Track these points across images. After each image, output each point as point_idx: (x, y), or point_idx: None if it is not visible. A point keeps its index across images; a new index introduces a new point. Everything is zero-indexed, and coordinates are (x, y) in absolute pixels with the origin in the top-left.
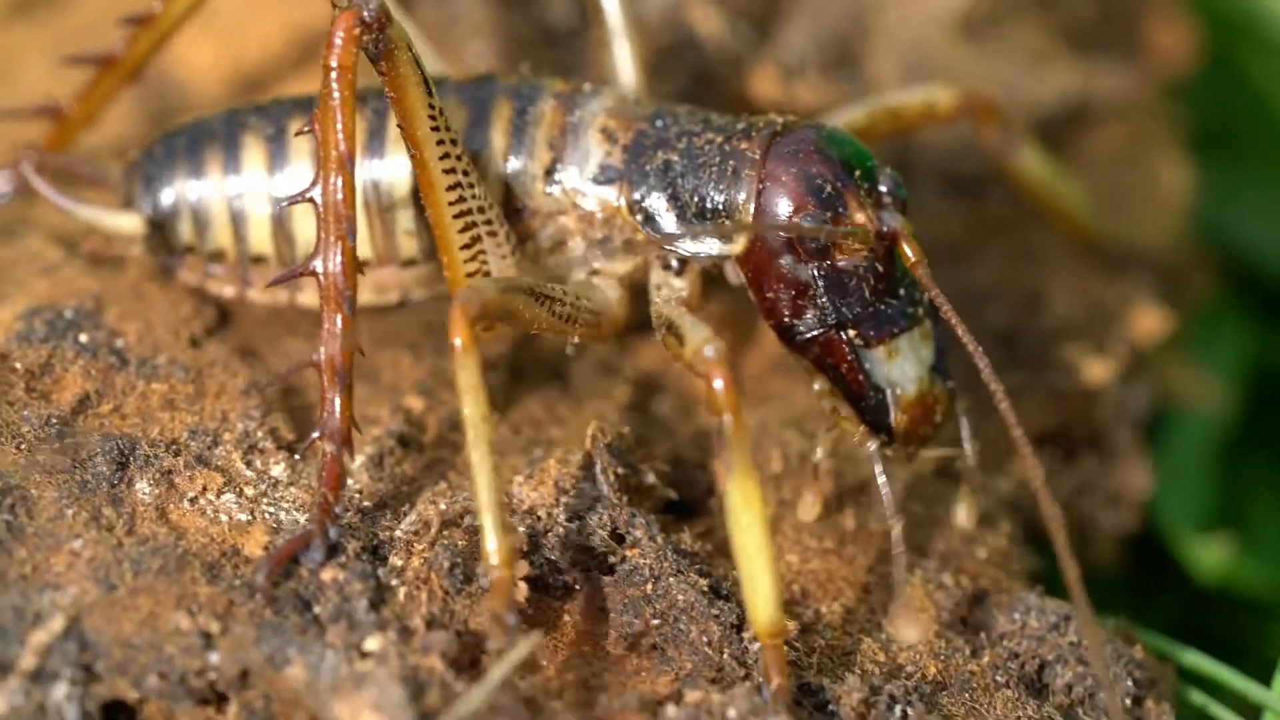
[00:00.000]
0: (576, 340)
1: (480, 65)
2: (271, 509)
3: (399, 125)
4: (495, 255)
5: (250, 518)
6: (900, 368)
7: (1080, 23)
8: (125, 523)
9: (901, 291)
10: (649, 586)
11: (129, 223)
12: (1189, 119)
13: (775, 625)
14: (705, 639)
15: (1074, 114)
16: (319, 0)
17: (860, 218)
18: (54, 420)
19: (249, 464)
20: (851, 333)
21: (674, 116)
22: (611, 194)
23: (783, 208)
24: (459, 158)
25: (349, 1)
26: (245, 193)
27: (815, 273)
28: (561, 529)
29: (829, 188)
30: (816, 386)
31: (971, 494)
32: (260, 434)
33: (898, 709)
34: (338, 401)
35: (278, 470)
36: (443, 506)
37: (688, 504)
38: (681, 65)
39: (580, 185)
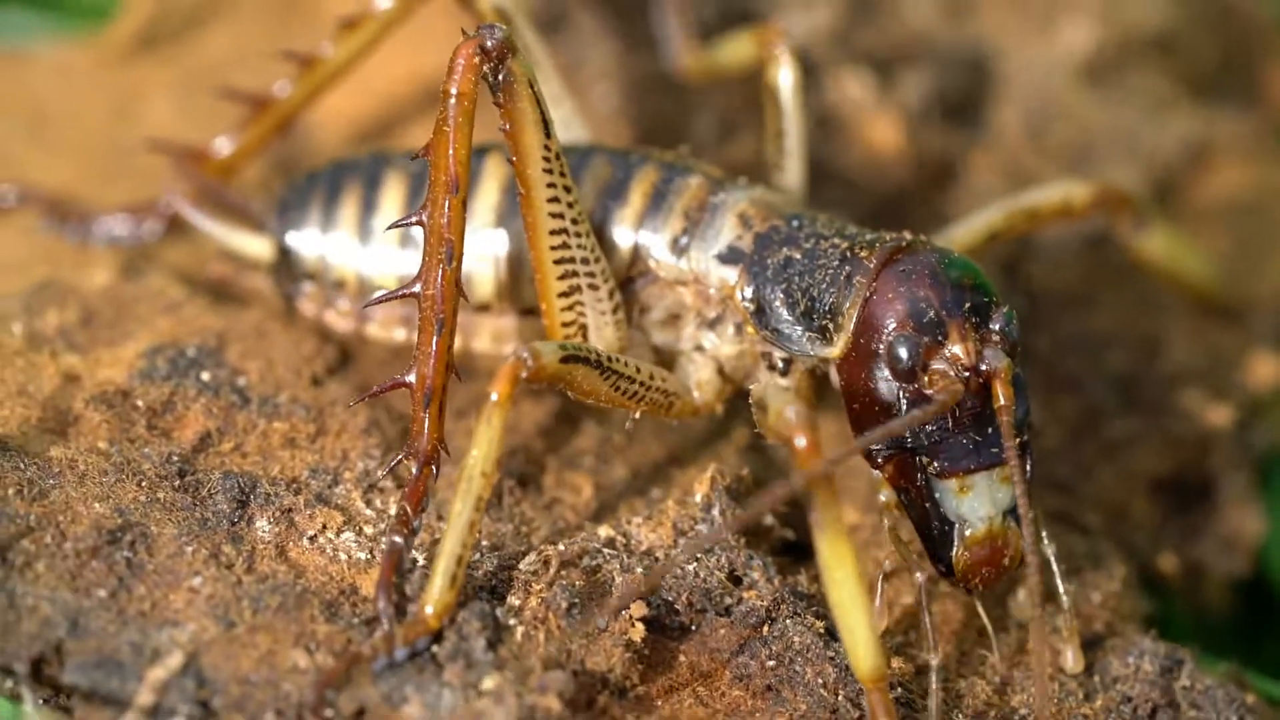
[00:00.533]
0: (637, 416)
1: (605, 107)
2: None
3: (510, 160)
4: (594, 309)
5: (369, 556)
6: (971, 504)
7: (1201, 69)
8: (245, 560)
9: (990, 430)
10: (765, 628)
11: (259, 246)
12: None
13: (877, 671)
14: (820, 680)
15: (1194, 160)
16: (445, 47)
17: (958, 350)
18: (175, 458)
19: (369, 503)
20: (926, 459)
21: (811, 220)
22: (731, 275)
23: (882, 322)
24: (570, 205)
25: (476, 29)
26: (375, 224)
27: (901, 392)
28: (679, 570)
29: (932, 313)
30: (882, 498)
31: (1075, 636)
32: (380, 473)
33: None
34: (426, 421)
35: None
36: (561, 546)
37: (804, 545)
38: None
39: (704, 260)
